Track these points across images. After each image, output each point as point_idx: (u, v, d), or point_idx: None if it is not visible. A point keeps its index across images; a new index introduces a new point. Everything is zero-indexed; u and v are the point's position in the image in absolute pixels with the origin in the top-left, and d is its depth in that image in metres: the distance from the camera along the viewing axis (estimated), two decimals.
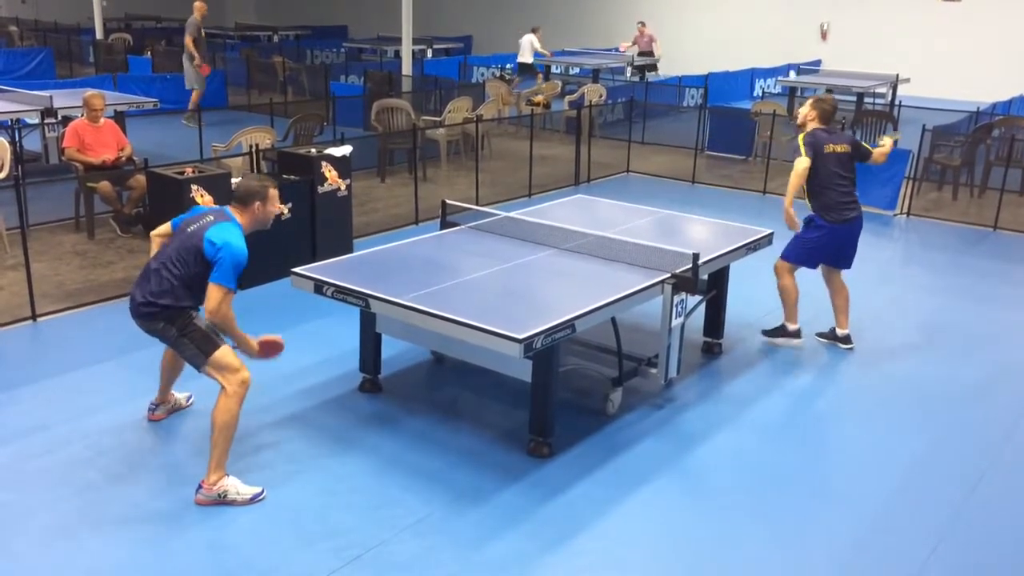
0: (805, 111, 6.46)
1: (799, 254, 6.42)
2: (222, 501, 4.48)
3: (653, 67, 20.97)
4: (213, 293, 4.38)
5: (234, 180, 7.22)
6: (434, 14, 25.64)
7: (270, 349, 4.73)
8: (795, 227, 6.38)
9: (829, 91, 16.94)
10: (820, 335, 6.69)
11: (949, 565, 4.22)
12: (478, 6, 27.47)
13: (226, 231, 4.46)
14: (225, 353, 4.54)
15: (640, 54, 20.83)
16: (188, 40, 14.56)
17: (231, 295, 4.42)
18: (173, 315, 4.54)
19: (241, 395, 4.50)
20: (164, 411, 5.30)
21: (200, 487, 4.50)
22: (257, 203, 4.62)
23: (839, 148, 6.30)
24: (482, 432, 5.24)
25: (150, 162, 7.74)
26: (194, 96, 14.68)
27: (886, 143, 6.68)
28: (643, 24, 21.11)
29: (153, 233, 4.89)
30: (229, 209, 4.63)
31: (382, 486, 4.65)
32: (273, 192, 4.68)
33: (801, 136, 6.34)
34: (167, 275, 4.51)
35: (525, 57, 19.42)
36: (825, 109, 6.40)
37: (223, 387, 4.50)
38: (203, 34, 15.00)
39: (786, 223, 6.37)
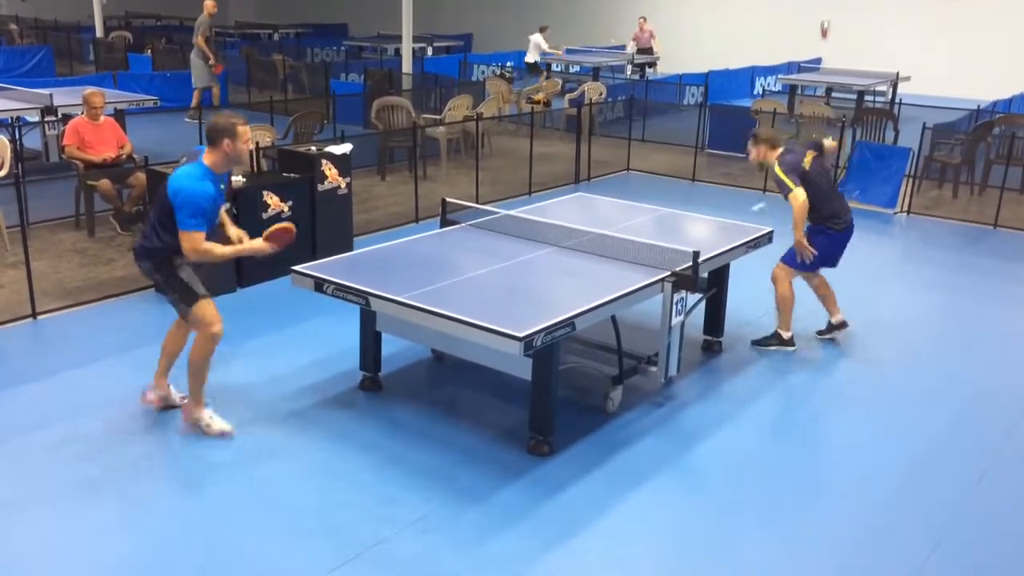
0: (755, 153, 6.38)
1: (798, 260, 6.41)
2: (197, 428, 4.97)
3: (653, 64, 20.96)
4: (183, 240, 4.65)
5: (234, 178, 7.26)
6: (434, 12, 25.63)
7: (282, 239, 4.87)
8: (811, 255, 6.31)
9: (829, 90, 17.03)
10: (820, 333, 6.69)
11: (949, 564, 4.22)
12: (478, 4, 27.46)
13: (182, 176, 4.64)
14: (203, 307, 4.87)
15: (640, 51, 20.80)
16: (200, 40, 14.59)
17: (200, 235, 4.64)
18: (158, 260, 4.84)
19: (210, 345, 4.90)
20: (157, 396, 5.29)
21: (183, 410, 5.07)
22: (226, 141, 4.69)
23: (808, 158, 6.36)
24: (482, 430, 5.24)
25: (150, 160, 7.75)
26: (214, 92, 14.87)
27: (827, 142, 6.71)
28: (644, 19, 21.08)
29: None
30: (204, 151, 4.78)
31: (382, 484, 4.65)
32: (242, 128, 4.72)
33: (777, 169, 6.24)
34: (152, 220, 4.83)
35: (531, 56, 19.30)
36: (766, 137, 6.40)
37: (197, 335, 4.92)
38: (213, 32, 15.01)
39: (803, 255, 6.31)
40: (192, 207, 4.59)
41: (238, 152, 4.76)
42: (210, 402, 5.10)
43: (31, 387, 5.62)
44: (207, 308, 4.86)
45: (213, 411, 5.04)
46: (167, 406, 5.31)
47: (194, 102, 14.47)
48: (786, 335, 6.49)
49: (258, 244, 4.86)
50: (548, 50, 19.30)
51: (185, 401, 5.31)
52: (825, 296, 6.63)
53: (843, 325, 6.65)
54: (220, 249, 4.80)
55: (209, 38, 14.68)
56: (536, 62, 19.24)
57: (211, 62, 14.65)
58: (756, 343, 6.54)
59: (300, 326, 6.58)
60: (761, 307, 7.13)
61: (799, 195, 6.13)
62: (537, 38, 19.25)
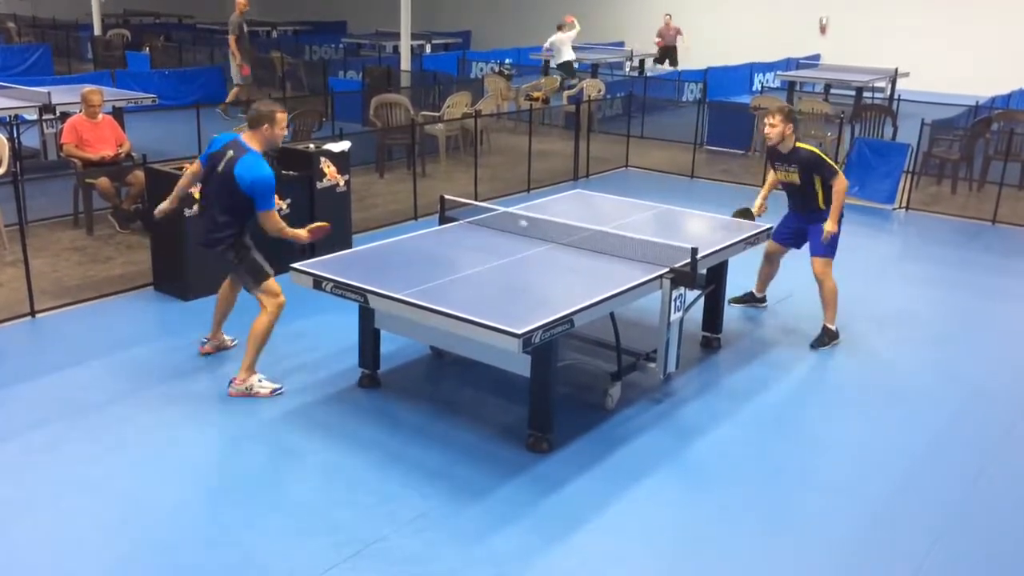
0: (781, 129, 6.29)
1: (835, 248, 6.49)
2: (249, 394, 5.40)
3: (674, 60, 20.67)
4: (266, 220, 5.29)
5: None
6: (433, 9, 25.60)
7: (318, 232, 5.52)
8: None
9: (828, 86, 17.02)
10: (735, 300, 6.98)
11: (948, 560, 4.23)
12: (477, 1, 27.43)
13: (249, 164, 5.17)
14: (271, 282, 5.46)
15: (665, 47, 20.51)
16: (232, 40, 14.78)
17: (274, 212, 5.31)
18: (232, 244, 5.39)
19: (276, 314, 5.41)
20: (212, 347, 5.99)
21: (232, 382, 5.44)
22: (265, 126, 5.29)
23: None
24: (481, 427, 5.24)
25: (148, 158, 7.74)
26: (233, 92, 14.91)
27: None
28: (669, 16, 20.74)
29: (189, 170, 5.82)
30: (242, 137, 5.32)
31: (382, 481, 4.65)
32: (280, 116, 5.33)
33: (816, 151, 6.33)
34: (217, 211, 5.34)
35: (563, 57, 17.88)
36: (794, 115, 6.42)
37: (264, 306, 5.41)
38: (245, 30, 15.05)
39: (830, 237, 6.40)
40: (269, 189, 5.22)
41: (275, 136, 5.36)
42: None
43: (30, 385, 5.62)
44: (273, 282, 5.46)
45: (261, 375, 5.50)
46: (221, 349, 6.03)
47: (229, 97, 14.68)
48: (834, 327, 6.51)
49: (302, 233, 5.45)
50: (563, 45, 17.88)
51: (235, 342, 6.02)
52: (771, 276, 6.94)
53: (763, 300, 7.08)
54: (286, 228, 5.43)
55: (240, 37, 14.78)
56: (570, 61, 18.38)
57: (237, 62, 14.78)
58: (816, 346, 6.46)
59: (299, 323, 6.57)
60: (759, 303, 7.13)
61: (843, 178, 6.34)
62: (561, 36, 17.89)
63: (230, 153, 5.25)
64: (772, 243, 6.71)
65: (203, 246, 5.48)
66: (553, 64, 18.42)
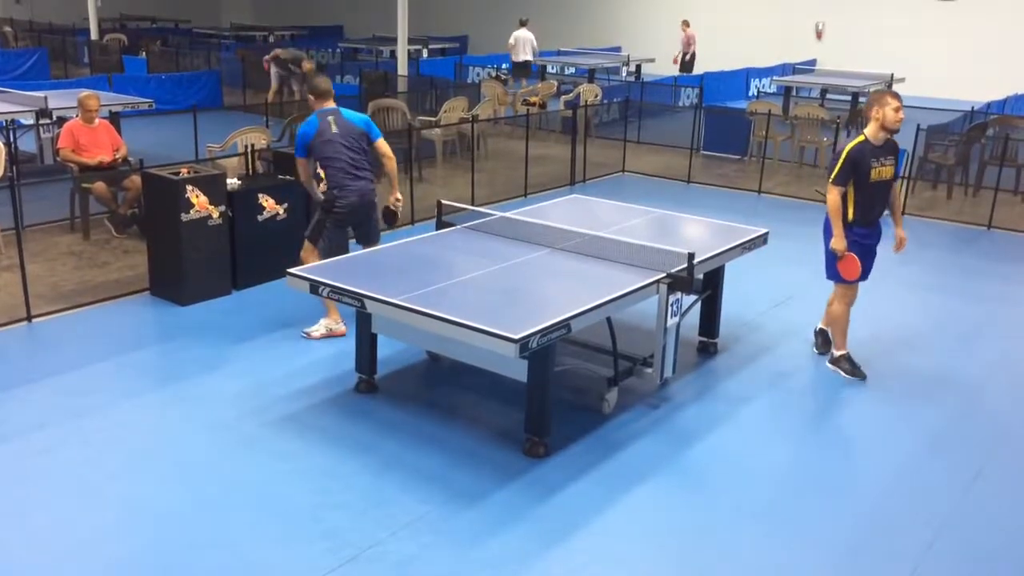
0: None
1: None
2: (324, 328, 6.35)
3: (691, 65, 20.47)
4: (384, 146, 6.42)
5: (229, 181, 7.26)
6: (430, 14, 25.61)
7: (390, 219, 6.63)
8: None
9: (824, 91, 17.07)
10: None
11: (945, 560, 4.24)
12: (474, 6, 27.47)
13: (349, 111, 6.29)
14: None
15: (685, 55, 20.39)
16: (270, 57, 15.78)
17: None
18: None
19: None
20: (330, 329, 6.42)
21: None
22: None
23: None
24: (478, 432, 5.24)
25: (145, 163, 7.74)
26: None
27: None
28: (687, 23, 20.37)
29: (303, 177, 6.50)
30: (327, 106, 6.21)
31: (378, 486, 4.65)
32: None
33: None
34: (368, 166, 6.31)
35: (522, 55, 18.11)
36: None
37: None
38: (291, 68, 15.55)
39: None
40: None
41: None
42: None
43: (27, 389, 5.61)
44: None
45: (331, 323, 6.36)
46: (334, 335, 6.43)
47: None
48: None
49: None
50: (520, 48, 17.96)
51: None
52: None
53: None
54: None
55: (277, 58, 15.50)
56: (527, 61, 18.36)
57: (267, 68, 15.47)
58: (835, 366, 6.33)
59: (296, 328, 6.57)
60: (756, 308, 7.15)
61: None
62: (527, 34, 18.12)
63: (330, 117, 6.13)
64: (855, 288, 6.13)
65: (369, 206, 6.36)
66: (514, 59, 18.30)
